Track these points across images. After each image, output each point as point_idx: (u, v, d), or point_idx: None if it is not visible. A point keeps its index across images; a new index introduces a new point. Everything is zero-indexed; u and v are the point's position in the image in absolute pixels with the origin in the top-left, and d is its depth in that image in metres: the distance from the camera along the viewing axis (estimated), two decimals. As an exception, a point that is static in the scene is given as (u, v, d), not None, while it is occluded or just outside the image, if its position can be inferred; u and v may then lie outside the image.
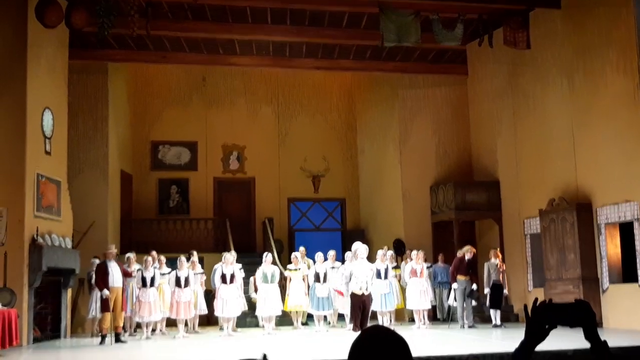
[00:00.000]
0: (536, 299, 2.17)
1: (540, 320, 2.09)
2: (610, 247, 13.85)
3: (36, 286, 13.03)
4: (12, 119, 13.09)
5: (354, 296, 13.75)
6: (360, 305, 13.65)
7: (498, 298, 14.72)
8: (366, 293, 13.69)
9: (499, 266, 14.90)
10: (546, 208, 15.15)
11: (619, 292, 13.50)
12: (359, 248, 14.08)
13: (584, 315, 2.09)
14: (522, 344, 2.10)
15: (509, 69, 17.04)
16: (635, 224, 13.02)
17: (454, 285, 14.67)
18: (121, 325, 13.37)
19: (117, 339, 12.95)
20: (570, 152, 14.78)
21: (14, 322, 11.48)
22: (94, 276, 14.14)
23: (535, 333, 2.09)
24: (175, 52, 17.71)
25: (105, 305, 12.96)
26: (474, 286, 14.65)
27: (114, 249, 13.57)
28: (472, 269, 14.74)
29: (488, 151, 18.05)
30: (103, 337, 12.87)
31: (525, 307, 2.18)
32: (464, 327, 14.46)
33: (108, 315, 12.90)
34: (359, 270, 13.76)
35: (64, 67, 15.15)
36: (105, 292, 12.89)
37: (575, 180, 14.68)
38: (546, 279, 15.00)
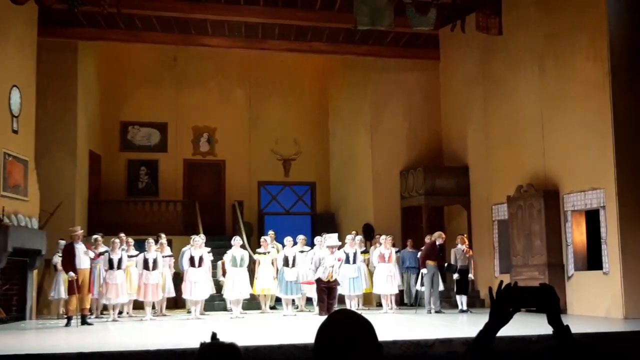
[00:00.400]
0: (501, 282, 2.19)
1: (505, 303, 2.10)
2: (576, 235, 14.01)
3: (1, 267, 12.90)
4: (-23, 97, 12.89)
5: (319, 281, 13.84)
6: (325, 289, 13.76)
7: (464, 284, 14.85)
8: (332, 280, 13.81)
9: (465, 251, 15.03)
10: (514, 194, 15.26)
11: (583, 279, 13.68)
12: (327, 239, 14.32)
13: (548, 300, 2.10)
14: (486, 326, 2.12)
15: (480, 54, 17.10)
16: (601, 212, 13.17)
17: (423, 271, 14.76)
18: (88, 307, 13.30)
19: (84, 322, 12.88)
20: (539, 139, 14.88)
21: (-22, 303, 11.38)
22: (59, 258, 14.04)
23: (499, 316, 2.11)
24: (147, 31, 17.55)
25: (71, 287, 12.87)
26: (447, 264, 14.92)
27: (80, 231, 13.46)
28: (441, 254, 14.88)
29: (458, 137, 18.14)
30: (69, 319, 12.80)
31: (490, 289, 2.19)
32: (430, 312, 14.57)
33: (74, 298, 12.81)
34: (326, 257, 13.89)
35: (32, 44, 14.95)
36: (72, 274, 12.79)
37: (543, 167, 14.80)
38: (512, 265, 15.15)
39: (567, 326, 2.11)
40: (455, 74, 18.29)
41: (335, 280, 14.01)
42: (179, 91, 20.97)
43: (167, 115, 20.79)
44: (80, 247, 13.08)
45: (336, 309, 12.92)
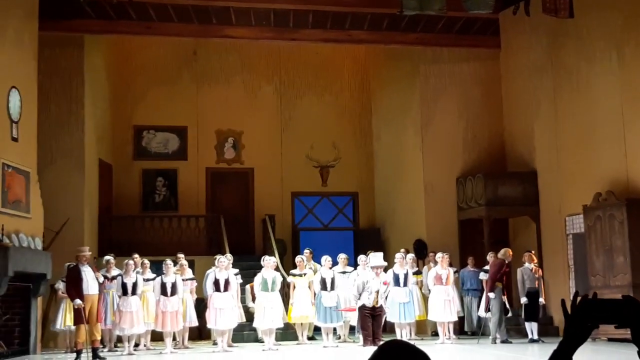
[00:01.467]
0: (576, 293, 2.16)
1: (582, 317, 2.08)
2: (665, 249, 13.80)
3: (1, 294, 13.06)
4: (-28, 100, 13.10)
5: (363, 308, 13.79)
6: (370, 317, 13.72)
7: (534, 309, 14.71)
8: (377, 305, 13.77)
9: (534, 271, 14.88)
10: (591, 204, 15.09)
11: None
12: (371, 258, 14.29)
13: (633, 314, 2.07)
14: (560, 345, 2.09)
15: (548, 40, 16.96)
16: (696, 223, 12.95)
17: (491, 295, 14.61)
18: (99, 339, 13.41)
19: (95, 355, 12.99)
20: (620, 139, 14.71)
21: (-24, 336, 11.53)
22: (62, 284, 14.18)
23: (576, 333, 2.08)
24: (162, 22, 17.71)
25: (78, 316, 12.95)
26: (504, 298, 14.70)
27: (87, 251, 13.55)
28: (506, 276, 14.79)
29: (524, 137, 18.00)
30: (78, 353, 12.91)
31: (563, 302, 2.16)
32: (495, 342, 14.45)
33: (83, 328, 12.91)
34: (370, 279, 13.86)
35: (33, 40, 15.14)
36: (78, 301, 12.85)
37: (625, 172, 14.62)
38: (591, 285, 14.96)
39: None
40: (519, 65, 18.15)
41: (381, 307, 13.96)
42: (200, 90, 21.12)
43: (187, 118, 20.95)
44: (87, 270, 13.19)
45: (384, 339, 12.88)
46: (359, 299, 14.05)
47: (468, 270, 16.47)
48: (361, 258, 14.95)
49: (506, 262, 14.77)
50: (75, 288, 12.93)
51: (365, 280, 14.04)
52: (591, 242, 15.08)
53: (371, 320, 13.81)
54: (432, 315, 15.34)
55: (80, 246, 14.12)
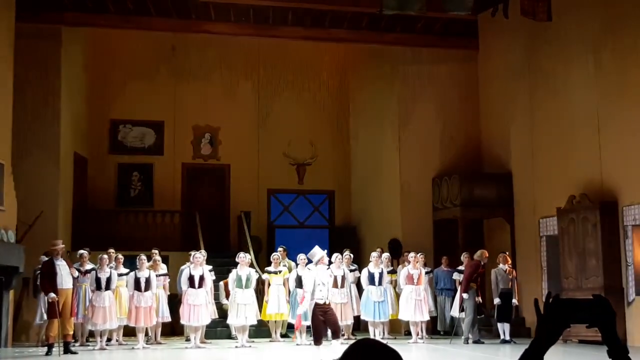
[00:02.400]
0: (549, 293, 2.17)
1: (554, 317, 2.08)
2: (637, 253, 13.90)
3: (-28, 286, 12.98)
4: (-53, 90, 12.97)
5: (317, 307, 13.30)
6: (322, 315, 13.16)
7: (507, 309, 14.78)
8: (327, 302, 13.31)
9: (508, 272, 14.95)
10: (565, 206, 15.17)
11: (646, 305, 13.57)
12: (317, 254, 13.75)
13: (603, 313, 2.09)
14: (532, 345, 2.10)
15: (526, 43, 17.03)
16: (668, 227, 13.06)
17: (464, 295, 14.67)
18: (71, 333, 13.33)
19: (67, 350, 12.91)
20: (594, 142, 14.80)
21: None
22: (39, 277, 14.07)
23: (548, 333, 2.09)
24: (140, 15, 17.63)
25: (52, 310, 12.87)
26: (478, 299, 14.71)
27: (61, 244, 13.47)
28: (477, 277, 14.83)
29: (500, 139, 18.07)
30: (50, 347, 12.83)
31: (536, 302, 2.17)
32: (468, 342, 14.51)
33: (55, 322, 12.83)
34: (320, 277, 13.41)
35: (9, 30, 15.04)
36: (52, 295, 12.79)
37: (599, 175, 14.71)
38: (563, 288, 15.05)
39: (625, 346, 2.09)
40: (497, 67, 18.23)
41: (329, 304, 13.49)
42: (178, 85, 21.04)
43: (164, 113, 20.87)
44: (62, 265, 13.10)
45: (356, 337, 12.80)
46: (312, 298, 13.52)
47: (442, 269, 16.53)
48: (336, 256, 14.95)
49: (482, 263, 14.82)
50: (49, 282, 12.85)
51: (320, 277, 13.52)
52: (564, 244, 15.16)
53: (322, 320, 13.23)
54: (403, 315, 15.34)
55: (54, 239, 14.02)
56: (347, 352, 2.06)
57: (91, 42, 20.12)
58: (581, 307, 2.10)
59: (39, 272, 13.93)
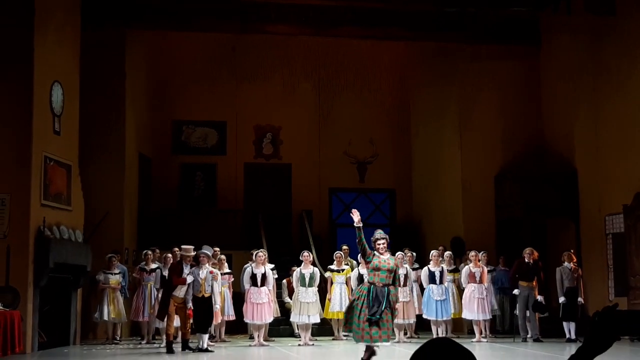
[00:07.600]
0: (616, 305, 2.12)
1: (606, 326, 2.03)
2: None
3: (42, 285, 13.19)
4: (17, 94, 13.20)
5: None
6: None
7: (573, 308, 14.57)
8: None
9: (573, 270, 14.75)
10: (632, 203, 14.95)
11: None
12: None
13: None
14: (579, 351, 2.05)
15: (590, 39, 16.78)
16: None
17: (515, 292, 14.69)
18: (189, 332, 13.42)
19: (185, 347, 13.08)
20: (661, 138, 14.54)
21: (17, 326, 11.66)
22: (103, 275, 14.31)
23: (598, 341, 2.04)
24: (202, 18, 17.76)
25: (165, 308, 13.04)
26: (539, 297, 14.56)
27: (192, 251, 13.38)
28: (537, 275, 14.66)
29: (564, 136, 17.84)
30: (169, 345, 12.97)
31: (595, 316, 2.12)
32: (526, 340, 14.42)
33: (172, 320, 13.04)
34: None
35: (75, 34, 15.25)
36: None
37: (667, 172, 14.45)
38: (630, 286, 14.81)
39: None
40: (559, 63, 17.97)
41: None
42: (239, 86, 21.17)
43: (226, 113, 21.02)
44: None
45: (419, 336, 12.74)
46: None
47: (500, 269, 16.43)
48: (398, 255, 14.88)
49: (526, 260, 14.69)
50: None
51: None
52: (631, 242, 14.93)
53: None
54: (465, 314, 15.27)
55: (119, 239, 14.16)
56: (421, 350, 2.04)
57: (153, 46, 20.35)
58: (636, 319, 2.04)
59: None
